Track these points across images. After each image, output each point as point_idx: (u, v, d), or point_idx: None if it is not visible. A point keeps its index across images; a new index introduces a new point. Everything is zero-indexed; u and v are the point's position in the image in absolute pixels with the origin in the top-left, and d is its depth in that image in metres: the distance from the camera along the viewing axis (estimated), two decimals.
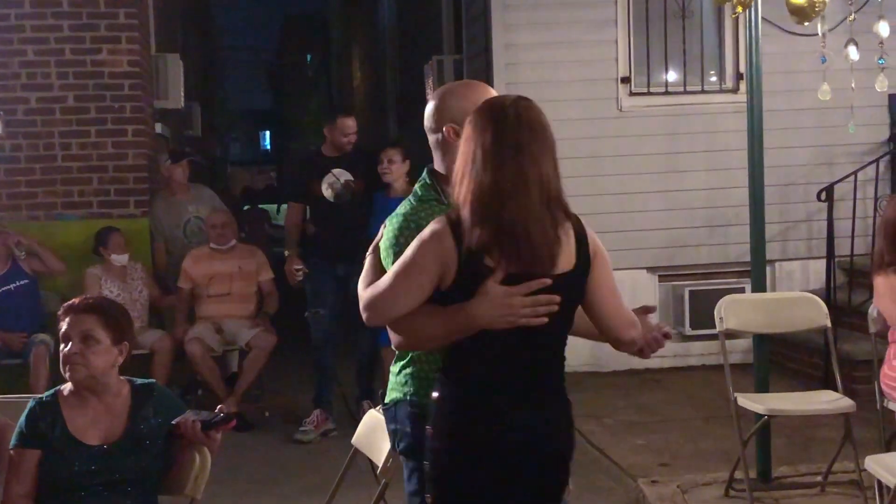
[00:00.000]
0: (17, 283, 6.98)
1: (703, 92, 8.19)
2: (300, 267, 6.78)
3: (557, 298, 2.59)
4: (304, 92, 36.06)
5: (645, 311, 2.94)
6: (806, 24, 5.00)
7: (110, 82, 7.59)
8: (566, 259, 2.64)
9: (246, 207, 17.03)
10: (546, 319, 2.59)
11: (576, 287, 2.68)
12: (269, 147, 39.14)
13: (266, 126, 41.04)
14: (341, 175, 6.74)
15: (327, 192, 6.76)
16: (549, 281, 2.58)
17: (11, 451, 3.26)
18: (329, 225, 6.79)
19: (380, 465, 3.44)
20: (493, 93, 2.91)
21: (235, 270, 7.21)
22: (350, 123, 6.81)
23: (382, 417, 3.61)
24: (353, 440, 3.80)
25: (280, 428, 6.82)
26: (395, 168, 6.44)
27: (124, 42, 7.61)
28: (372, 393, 6.74)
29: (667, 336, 2.97)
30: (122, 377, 3.37)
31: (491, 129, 2.61)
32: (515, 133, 2.61)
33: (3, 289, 6.94)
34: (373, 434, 3.60)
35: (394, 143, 6.94)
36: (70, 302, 3.37)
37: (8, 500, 3.20)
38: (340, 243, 6.61)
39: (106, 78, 7.58)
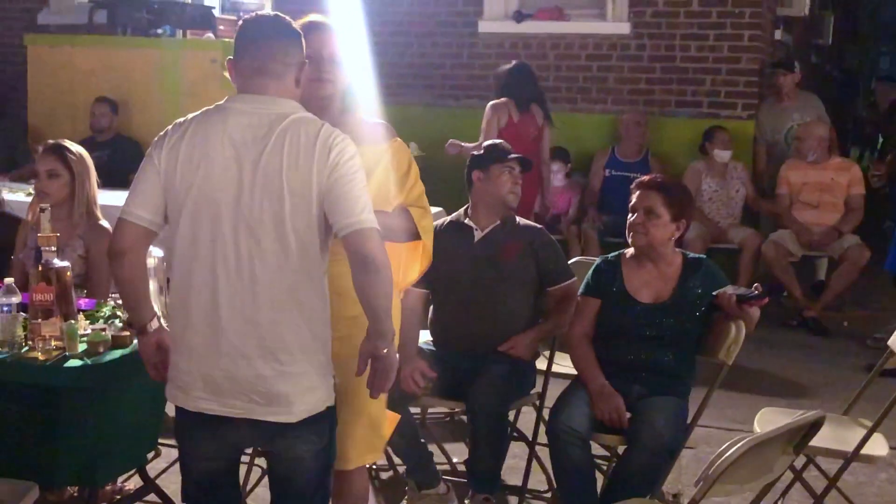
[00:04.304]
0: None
1: None
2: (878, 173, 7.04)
3: None
4: None
5: None
6: None
7: None
8: None
9: None
10: None
11: None
12: None
13: None
14: None
15: None
16: None
17: (579, 298, 3.90)
18: None
19: None
20: None
21: (828, 181, 7.25)
22: None
23: None
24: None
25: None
26: None
27: None
28: None
29: None
30: (676, 249, 3.83)
31: None
32: None
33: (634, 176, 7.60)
34: None
35: None
36: (641, 178, 3.89)
37: (571, 336, 3.87)
38: None
39: None
